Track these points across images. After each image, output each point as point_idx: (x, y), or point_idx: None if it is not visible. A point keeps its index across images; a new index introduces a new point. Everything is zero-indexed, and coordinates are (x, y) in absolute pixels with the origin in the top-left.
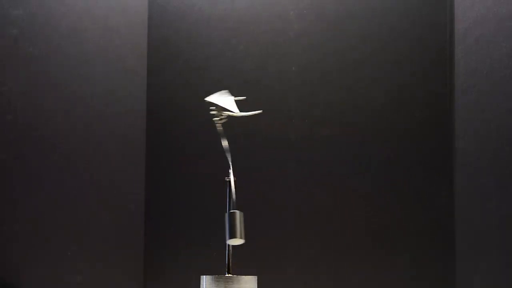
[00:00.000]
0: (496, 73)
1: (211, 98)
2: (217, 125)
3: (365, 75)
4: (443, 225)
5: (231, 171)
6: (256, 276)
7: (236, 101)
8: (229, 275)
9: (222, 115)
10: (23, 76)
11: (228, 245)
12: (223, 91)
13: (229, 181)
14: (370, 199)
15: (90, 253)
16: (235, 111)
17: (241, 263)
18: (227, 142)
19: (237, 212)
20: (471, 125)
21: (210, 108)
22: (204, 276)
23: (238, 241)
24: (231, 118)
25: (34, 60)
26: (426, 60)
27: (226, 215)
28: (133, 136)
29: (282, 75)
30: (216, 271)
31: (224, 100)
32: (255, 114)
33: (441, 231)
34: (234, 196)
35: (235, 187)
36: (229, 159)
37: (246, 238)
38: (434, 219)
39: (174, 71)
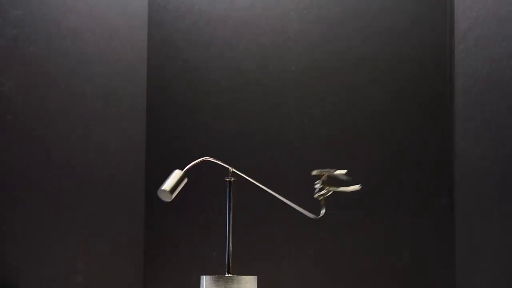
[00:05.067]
0: (496, 73)
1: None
2: (320, 198)
3: (365, 75)
4: (443, 225)
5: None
6: (256, 276)
7: (338, 175)
8: (229, 275)
9: (327, 191)
10: (23, 76)
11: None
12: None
13: (229, 181)
14: (370, 199)
15: (90, 253)
16: (340, 187)
17: (241, 263)
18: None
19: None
20: (471, 125)
21: (315, 183)
22: (204, 276)
23: (165, 195)
24: None
25: (34, 60)
26: (426, 60)
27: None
28: (133, 136)
29: (282, 75)
30: (216, 271)
31: (330, 175)
32: (354, 190)
33: (441, 231)
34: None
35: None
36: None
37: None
38: (434, 219)
39: (174, 71)
